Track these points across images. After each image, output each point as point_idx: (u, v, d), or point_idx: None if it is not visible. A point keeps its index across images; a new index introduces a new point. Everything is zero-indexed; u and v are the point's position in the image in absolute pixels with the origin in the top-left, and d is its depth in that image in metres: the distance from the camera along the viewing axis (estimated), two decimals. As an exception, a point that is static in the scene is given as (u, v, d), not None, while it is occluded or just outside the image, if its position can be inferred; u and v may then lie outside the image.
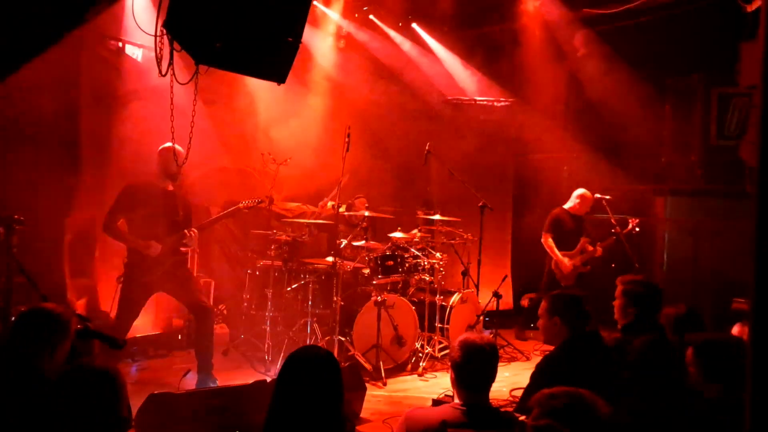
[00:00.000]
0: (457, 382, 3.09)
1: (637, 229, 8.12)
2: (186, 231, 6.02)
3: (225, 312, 8.06)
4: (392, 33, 9.69)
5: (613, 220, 8.03)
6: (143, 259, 5.81)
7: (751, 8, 5.36)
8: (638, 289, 4.45)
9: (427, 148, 7.84)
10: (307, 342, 6.82)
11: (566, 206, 8.41)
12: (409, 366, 7.09)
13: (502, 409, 3.80)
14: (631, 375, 3.82)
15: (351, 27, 9.42)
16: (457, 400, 3.09)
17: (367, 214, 7.50)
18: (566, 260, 8.14)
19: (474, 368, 3.05)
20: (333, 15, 9.19)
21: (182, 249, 6.05)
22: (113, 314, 6.00)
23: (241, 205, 6.49)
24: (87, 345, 3.42)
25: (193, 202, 6.35)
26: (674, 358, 3.63)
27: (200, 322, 6.07)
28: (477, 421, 2.94)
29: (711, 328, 4.43)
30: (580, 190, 8.41)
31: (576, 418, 2.29)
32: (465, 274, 8.02)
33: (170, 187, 6.02)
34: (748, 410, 1.80)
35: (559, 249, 8.20)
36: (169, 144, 5.79)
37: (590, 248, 8.20)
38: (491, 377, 3.09)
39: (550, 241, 8.22)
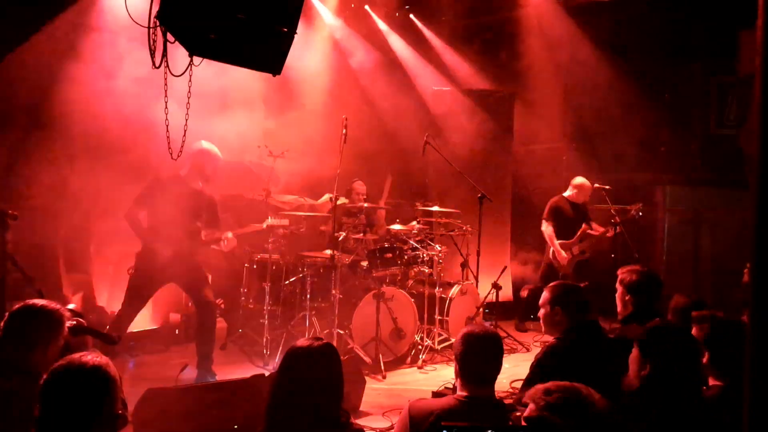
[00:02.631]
0: (461, 374, 3.06)
1: (641, 213, 7.98)
2: (222, 235, 6.14)
3: (223, 306, 8.02)
4: (389, 24, 9.63)
5: (612, 210, 7.99)
6: (157, 254, 5.79)
7: (750, -5, 5.33)
8: (635, 279, 4.44)
9: (425, 138, 7.80)
10: (306, 336, 6.78)
11: (565, 194, 8.36)
12: (409, 359, 7.07)
13: (504, 401, 3.78)
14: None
15: (347, 18, 9.36)
16: (461, 392, 3.06)
17: (366, 206, 7.47)
18: (563, 252, 8.10)
19: (478, 361, 3.02)
20: (329, 6, 9.13)
21: (213, 247, 6.16)
22: (109, 309, 5.98)
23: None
24: (80, 341, 3.38)
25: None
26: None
27: (203, 316, 6.06)
28: (479, 413, 2.91)
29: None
30: (578, 179, 8.36)
31: (571, 412, 2.26)
32: (464, 265, 7.99)
33: (198, 187, 5.99)
34: (747, 395, 1.78)
35: (560, 237, 8.16)
36: (208, 145, 5.81)
37: (591, 233, 8.10)
38: (496, 370, 3.06)
39: (550, 229, 8.17)
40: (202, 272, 6.25)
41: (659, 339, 3.12)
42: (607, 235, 8.04)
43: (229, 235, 6.20)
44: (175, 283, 6.13)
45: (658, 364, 3.05)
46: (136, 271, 5.88)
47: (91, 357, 2.48)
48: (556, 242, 8.14)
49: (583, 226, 8.21)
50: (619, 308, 4.54)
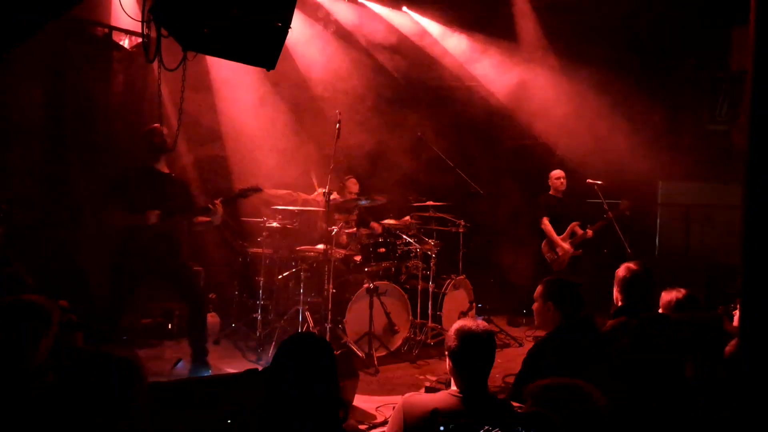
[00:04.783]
0: (455, 370, 3.07)
1: (627, 212, 8.08)
2: (210, 205, 5.93)
3: (216, 301, 8.03)
4: (383, 14, 9.58)
5: (605, 206, 8.02)
6: (134, 246, 5.71)
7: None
8: (626, 274, 4.49)
9: (418, 134, 7.81)
10: (299, 330, 6.80)
11: (550, 191, 8.54)
12: (402, 353, 7.08)
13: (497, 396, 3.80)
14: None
15: (341, 9, 9.32)
16: (454, 388, 3.07)
17: (363, 202, 7.47)
18: (564, 244, 8.18)
19: (471, 356, 3.03)
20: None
21: (205, 221, 6.03)
22: (103, 303, 5.95)
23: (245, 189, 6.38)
24: (71, 337, 3.36)
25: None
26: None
27: (193, 310, 6.03)
28: (473, 408, 2.92)
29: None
30: (552, 172, 8.58)
31: (571, 409, 2.27)
32: (457, 260, 8.01)
33: (165, 170, 5.94)
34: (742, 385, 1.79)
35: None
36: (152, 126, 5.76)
37: (580, 231, 8.22)
38: (489, 364, 3.08)
39: (547, 222, 8.32)
40: (184, 264, 6.21)
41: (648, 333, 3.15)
42: (587, 236, 8.14)
43: (217, 203, 5.99)
44: (157, 279, 6.07)
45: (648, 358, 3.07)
46: (115, 268, 5.77)
47: (121, 349, 2.52)
48: (556, 236, 8.23)
49: (573, 223, 8.29)
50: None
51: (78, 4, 3.62)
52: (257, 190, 6.31)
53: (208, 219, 6.05)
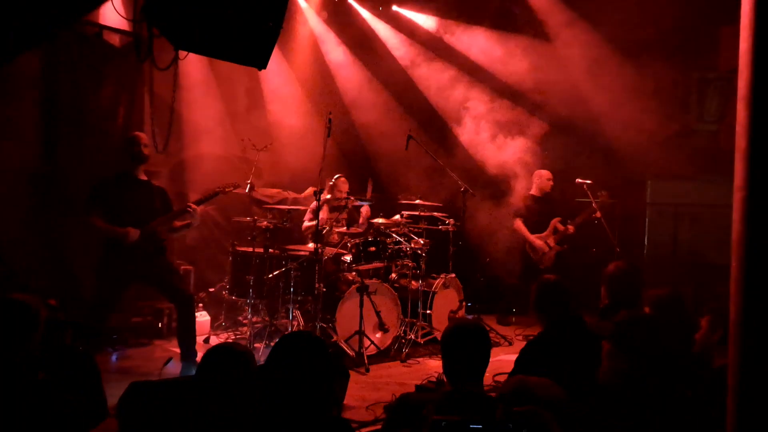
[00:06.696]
0: (451, 369, 3.09)
1: (608, 201, 8.15)
2: (187, 207, 5.98)
3: (206, 299, 8.02)
4: (372, 16, 9.59)
5: (594, 205, 8.06)
6: (119, 249, 5.74)
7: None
8: (611, 272, 4.56)
9: (409, 132, 7.82)
10: (289, 329, 6.81)
11: (531, 191, 8.58)
12: (392, 352, 7.09)
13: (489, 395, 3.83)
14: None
15: (331, 12, 9.32)
16: (447, 386, 3.09)
17: (359, 202, 7.48)
18: (538, 241, 8.27)
19: (467, 355, 3.05)
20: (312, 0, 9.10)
21: (185, 224, 6.06)
22: (92, 302, 5.93)
23: (220, 188, 6.41)
24: (58, 335, 3.37)
25: (173, 188, 6.29)
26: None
27: (181, 310, 6.03)
28: (466, 406, 2.94)
29: (691, 310, 4.50)
30: (536, 172, 8.61)
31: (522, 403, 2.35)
32: (448, 259, 8.02)
33: (144, 177, 5.97)
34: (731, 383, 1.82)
35: (532, 233, 8.33)
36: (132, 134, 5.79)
37: (561, 227, 8.30)
38: (484, 364, 3.09)
39: (520, 223, 8.39)
40: (169, 266, 6.21)
41: (629, 332, 3.19)
42: (568, 232, 8.22)
43: (194, 205, 6.06)
44: (143, 282, 6.08)
45: (631, 357, 3.10)
46: (100, 272, 5.79)
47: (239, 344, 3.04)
48: (530, 235, 8.32)
49: (554, 219, 8.37)
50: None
51: (90, 11, 3.60)
52: (233, 187, 6.34)
53: (188, 222, 6.08)
